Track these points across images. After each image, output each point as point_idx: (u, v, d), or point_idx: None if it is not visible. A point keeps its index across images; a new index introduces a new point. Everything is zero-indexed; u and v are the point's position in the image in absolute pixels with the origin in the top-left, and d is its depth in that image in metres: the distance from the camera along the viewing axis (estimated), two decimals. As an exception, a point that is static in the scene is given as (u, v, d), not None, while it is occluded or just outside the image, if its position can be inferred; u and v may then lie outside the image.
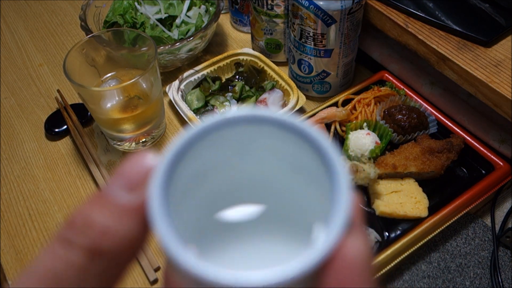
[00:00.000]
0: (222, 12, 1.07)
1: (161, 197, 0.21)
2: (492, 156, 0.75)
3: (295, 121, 0.22)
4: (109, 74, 0.82)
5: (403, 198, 0.70)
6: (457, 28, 0.76)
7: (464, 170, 0.77)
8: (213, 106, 0.88)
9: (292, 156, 0.24)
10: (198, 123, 0.23)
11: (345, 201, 0.20)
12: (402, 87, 0.86)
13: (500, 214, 0.74)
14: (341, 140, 0.80)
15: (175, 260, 0.19)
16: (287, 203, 0.27)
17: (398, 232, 0.68)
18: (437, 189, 0.74)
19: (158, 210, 0.21)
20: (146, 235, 0.23)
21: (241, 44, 1.04)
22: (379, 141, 0.77)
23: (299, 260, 0.19)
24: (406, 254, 0.66)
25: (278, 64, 0.94)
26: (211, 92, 0.90)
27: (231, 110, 0.23)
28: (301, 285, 0.20)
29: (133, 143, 0.83)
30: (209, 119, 0.23)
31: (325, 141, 0.22)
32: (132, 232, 0.22)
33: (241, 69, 0.94)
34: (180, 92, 0.89)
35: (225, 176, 0.26)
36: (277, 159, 0.25)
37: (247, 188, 0.27)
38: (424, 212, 0.68)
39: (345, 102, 0.85)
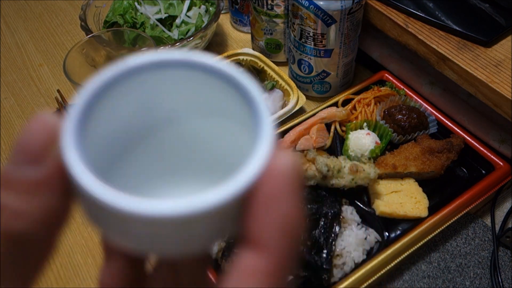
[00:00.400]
0: (222, 12, 1.07)
1: (79, 155, 0.19)
2: (492, 156, 0.75)
3: (207, 60, 0.21)
4: (109, 74, 0.82)
5: (403, 198, 0.70)
6: (457, 28, 0.76)
7: (464, 170, 0.77)
8: (213, 106, 0.88)
9: (210, 96, 0.23)
10: (104, 72, 0.20)
11: (268, 125, 0.20)
12: (402, 87, 0.86)
13: (500, 214, 0.74)
14: (341, 140, 0.80)
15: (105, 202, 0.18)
16: (212, 147, 0.25)
17: (398, 232, 0.68)
18: (437, 189, 0.74)
19: (81, 169, 0.18)
20: (68, 207, 0.21)
21: (241, 44, 1.04)
22: (379, 141, 0.77)
23: (229, 182, 0.18)
24: (406, 254, 0.66)
25: (278, 64, 0.94)
26: (211, 92, 0.90)
27: (140, 55, 0.21)
28: (231, 212, 0.19)
29: (133, 143, 0.83)
30: (121, 65, 0.20)
31: (241, 75, 0.21)
32: (48, 209, 0.20)
33: (241, 69, 0.94)
34: (180, 92, 0.89)
35: (144, 124, 0.24)
36: (196, 101, 0.24)
37: (171, 136, 0.25)
38: (424, 212, 0.68)
39: (345, 102, 0.85)
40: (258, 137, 0.20)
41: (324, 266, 0.62)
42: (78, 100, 0.20)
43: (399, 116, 0.78)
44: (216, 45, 1.04)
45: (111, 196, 0.18)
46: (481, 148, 0.76)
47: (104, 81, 0.20)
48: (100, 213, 0.19)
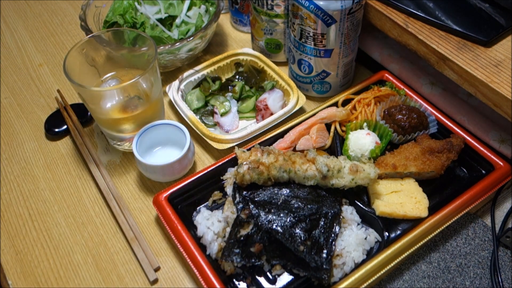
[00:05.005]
0: (222, 12, 1.07)
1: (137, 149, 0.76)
2: (492, 156, 0.75)
3: (172, 122, 0.81)
4: (109, 74, 0.82)
5: (403, 198, 0.70)
6: (457, 28, 0.76)
7: (464, 170, 0.77)
8: (213, 106, 0.88)
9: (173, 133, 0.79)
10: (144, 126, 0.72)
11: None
12: (402, 87, 0.86)
13: (500, 214, 0.74)
14: (341, 140, 0.80)
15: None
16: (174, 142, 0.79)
17: (398, 232, 0.68)
18: (437, 189, 0.74)
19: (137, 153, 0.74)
20: None
21: (241, 44, 1.04)
22: (379, 141, 0.77)
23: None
24: (406, 254, 0.66)
25: (278, 64, 0.94)
26: (211, 92, 0.90)
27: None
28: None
29: (133, 143, 0.83)
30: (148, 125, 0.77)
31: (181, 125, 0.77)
32: None
33: (241, 69, 0.94)
34: (180, 92, 0.89)
35: (154, 141, 0.81)
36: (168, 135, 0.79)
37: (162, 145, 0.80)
38: (424, 212, 0.68)
39: (345, 102, 0.85)
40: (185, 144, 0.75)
41: (324, 266, 0.62)
42: (138, 133, 0.77)
43: (399, 116, 0.78)
44: (216, 45, 1.04)
45: (142, 159, 0.74)
46: (481, 148, 0.76)
47: (144, 128, 0.78)
48: (140, 165, 0.76)
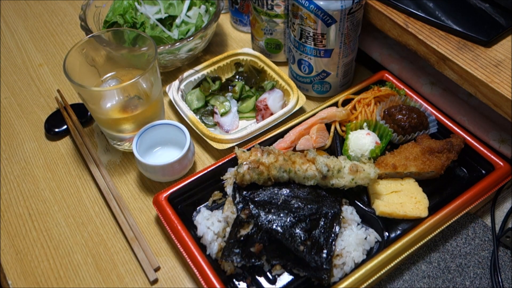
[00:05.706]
0: (222, 12, 1.07)
1: (137, 150, 0.77)
2: (492, 156, 0.75)
3: (172, 122, 0.80)
4: (109, 74, 0.82)
5: (403, 198, 0.70)
6: (457, 28, 0.76)
7: (464, 170, 0.77)
8: (213, 106, 0.88)
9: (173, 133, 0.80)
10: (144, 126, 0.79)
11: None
12: (402, 87, 0.86)
13: (500, 214, 0.74)
14: (341, 140, 0.80)
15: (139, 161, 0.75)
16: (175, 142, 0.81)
17: (398, 232, 0.68)
18: (437, 189, 0.74)
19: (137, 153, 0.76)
20: None
21: (241, 44, 1.04)
22: (379, 141, 0.77)
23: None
24: (406, 254, 0.66)
25: (278, 64, 0.94)
26: (211, 92, 0.90)
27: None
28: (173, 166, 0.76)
29: (133, 143, 0.83)
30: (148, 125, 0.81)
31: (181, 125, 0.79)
32: None
33: (241, 69, 0.94)
34: (180, 92, 0.89)
35: (154, 142, 0.82)
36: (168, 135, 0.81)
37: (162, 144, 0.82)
38: (424, 212, 0.68)
39: (345, 102, 0.85)
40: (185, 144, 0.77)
41: (324, 266, 0.62)
42: (138, 133, 0.78)
43: (399, 116, 0.78)
44: (216, 45, 1.04)
45: (142, 159, 0.75)
46: (481, 148, 0.76)
47: (144, 128, 0.78)
48: (140, 165, 0.76)
